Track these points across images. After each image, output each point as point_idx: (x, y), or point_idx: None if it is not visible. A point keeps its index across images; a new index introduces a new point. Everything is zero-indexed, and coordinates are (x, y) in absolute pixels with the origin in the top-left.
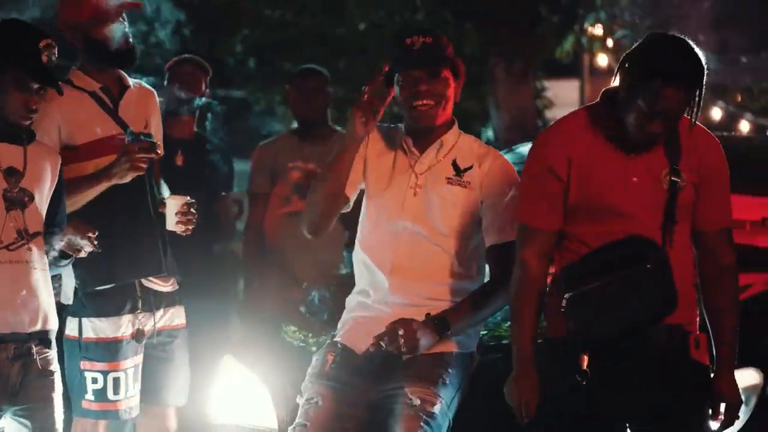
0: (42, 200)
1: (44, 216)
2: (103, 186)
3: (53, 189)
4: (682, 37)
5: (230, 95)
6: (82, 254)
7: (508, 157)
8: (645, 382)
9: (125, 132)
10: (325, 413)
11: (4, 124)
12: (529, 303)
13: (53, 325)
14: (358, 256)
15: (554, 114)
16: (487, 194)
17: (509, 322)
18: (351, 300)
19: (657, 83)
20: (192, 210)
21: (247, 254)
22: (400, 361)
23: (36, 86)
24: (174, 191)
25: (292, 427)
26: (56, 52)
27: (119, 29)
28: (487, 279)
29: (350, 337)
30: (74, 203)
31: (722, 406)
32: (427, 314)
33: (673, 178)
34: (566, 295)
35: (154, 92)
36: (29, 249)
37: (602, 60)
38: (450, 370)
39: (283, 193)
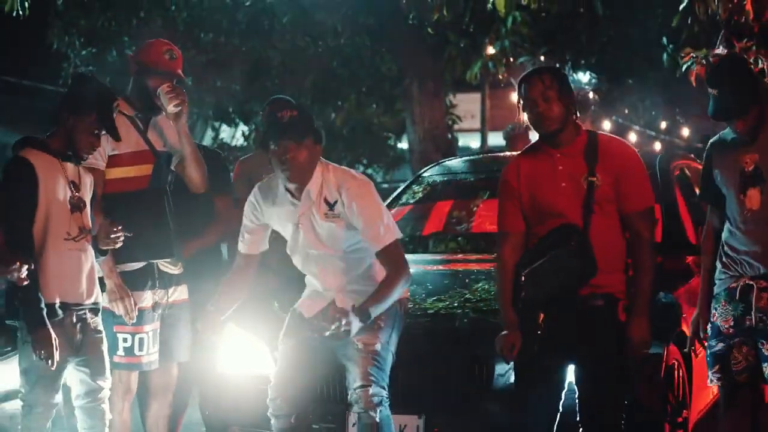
0: (89, 206)
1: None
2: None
3: (90, 199)
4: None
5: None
6: (109, 245)
7: (435, 169)
8: (584, 334)
9: (151, 149)
10: (295, 359)
11: (70, 150)
12: (507, 283)
13: (101, 299)
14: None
15: (460, 125)
16: (352, 217)
17: (433, 298)
18: (307, 280)
19: (522, 88)
20: (178, 89)
21: (233, 251)
22: None
23: (101, 133)
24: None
25: (274, 372)
26: (119, 105)
27: (162, 94)
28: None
29: (305, 307)
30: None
31: (631, 342)
32: (352, 305)
33: (590, 179)
34: (523, 273)
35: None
36: (88, 240)
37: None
38: (383, 316)
39: None
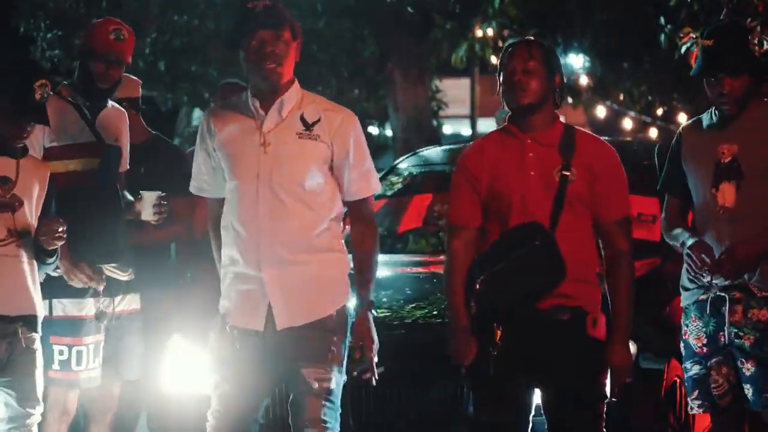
0: (31, 205)
1: (35, 218)
2: None
3: (43, 196)
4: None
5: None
6: (54, 244)
7: (411, 159)
8: (549, 352)
9: (98, 141)
10: (233, 397)
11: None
12: (459, 284)
13: (38, 311)
14: (226, 220)
15: (449, 112)
16: (338, 150)
17: (411, 305)
18: (225, 274)
19: (506, 52)
20: (164, 202)
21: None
22: (291, 336)
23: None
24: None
25: (210, 412)
26: (49, 89)
27: (105, 74)
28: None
29: (239, 317)
30: None
31: (611, 370)
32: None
33: (563, 173)
34: (479, 279)
35: (125, 113)
36: (17, 246)
37: (492, 59)
38: (334, 338)
39: None
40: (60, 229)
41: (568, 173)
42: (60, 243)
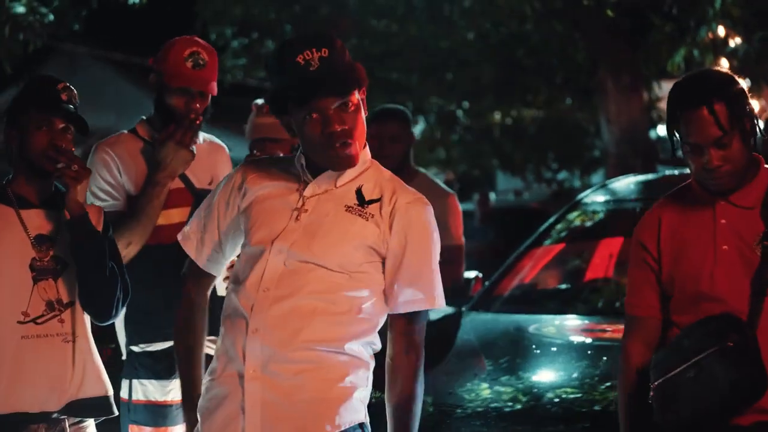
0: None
1: None
2: (166, 187)
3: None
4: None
5: None
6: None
7: (600, 192)
8: None
9: (186, 187)
10: None
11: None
12: (629, 392)
13: (93, 391)
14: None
15: None
16: (395, 243)
17: (605, 384)
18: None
19: (678, 114)
20: None
21: None
22: None
23: (60, 126)
24: None
25: None
26: (76, 96)
27: (188, 110)
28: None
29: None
30: (148, 220)
31: None
32: None
33: (766, 244)
34: (653, 384)
35: (225, 147)
36: (61, 320)
37: (723, 62)
38: None
39: None
40: (74, 168)
41: None
42: (77, 184)
